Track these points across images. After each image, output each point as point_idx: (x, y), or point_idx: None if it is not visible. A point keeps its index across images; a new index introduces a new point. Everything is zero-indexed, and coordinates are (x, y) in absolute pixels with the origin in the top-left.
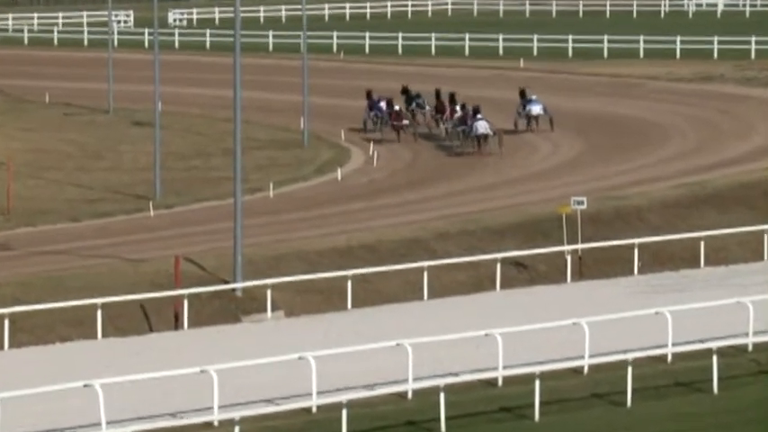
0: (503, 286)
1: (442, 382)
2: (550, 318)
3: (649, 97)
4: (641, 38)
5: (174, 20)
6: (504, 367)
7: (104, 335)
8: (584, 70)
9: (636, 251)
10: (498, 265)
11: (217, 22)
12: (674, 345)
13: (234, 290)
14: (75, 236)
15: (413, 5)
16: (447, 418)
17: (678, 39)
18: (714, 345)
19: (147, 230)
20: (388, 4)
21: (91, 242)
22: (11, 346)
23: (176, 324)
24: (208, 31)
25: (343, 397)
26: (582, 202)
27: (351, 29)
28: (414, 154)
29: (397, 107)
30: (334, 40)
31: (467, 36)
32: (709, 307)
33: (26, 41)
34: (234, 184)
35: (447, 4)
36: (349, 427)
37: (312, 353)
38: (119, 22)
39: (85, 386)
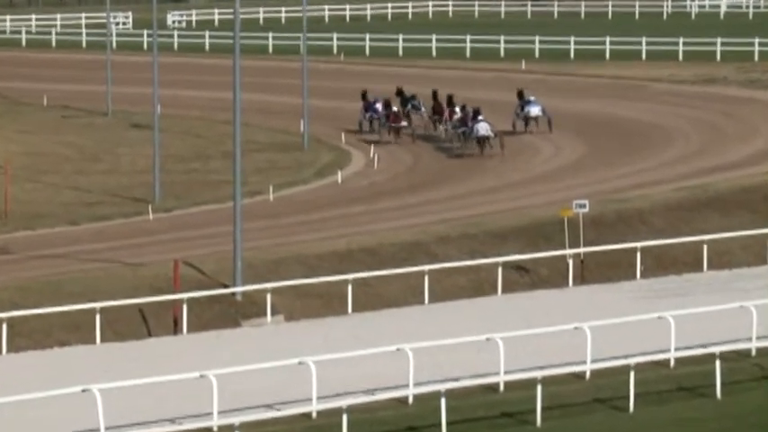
0: (504, 290)
1: (442, 387)
2: (552, 322)
3: (652, 99)
4: (643, 39)
5: (173, 21)
6: (506, 372)
7: (103, 339)
8: (585, 72)
9: (638, 255)
10: (500, 269)
11: (216, 23)
12: (676, 349)
13: (233, 294)
14: (73, 239)
15: (413, 7)
16: (448, 424)
17: (681, 40)
18: (717, 349)
19: (145, 234)
20: (389, 5)
21: (89, 246)
22: (9, 350)
23: (175, 328)
24: (207, 33)
25: (344, 402)
26: (584, 206)
27: (351, 30)
28: (415, 157)
29: (395, 108)
30: (335, 42)
31: (468, 38)
32: (712, 311)
33: (24, 43)
34: (233, 187)
35: (448, 5)
36: None
37: (312, 357)
38: (117, 23)
39: (84, 391)
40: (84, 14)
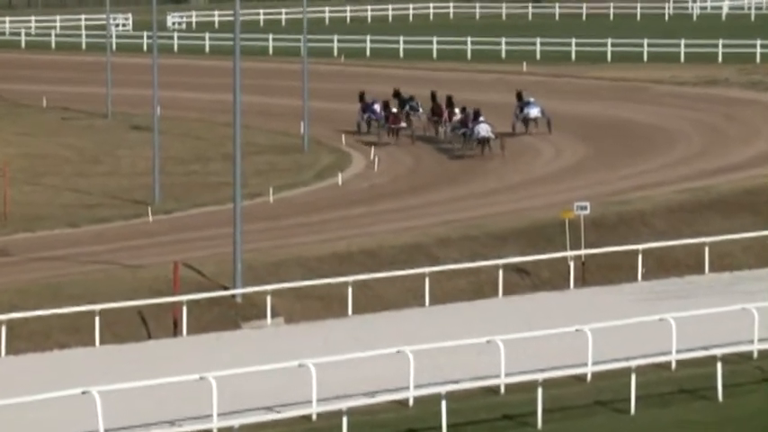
0: (505, 293)
1: (443, 389)
2: (553, 324)
3: (653, 101)
4: (645, 41)
5: (173, 23)
6: (507, 374)
7: (102, 342)
8: (587, 74)
9: (640, 257)
10: (500, 272)
11: (216, 25)
12: (678, 352)
13: (233, 296)
14: (73, 241)
15: (414, 8)
16: (448, 426)
17: (682, 42)
18: (718, 352)
19: (145, 236)
20: (390, 7)
21: (89, 248)
22: (8, 353)
23: (175, 331)
24: (207, 35)
25: (344, 404)
26: (585, 208)
27: (351, 32)
28: (415, 159)
29: (394, 110)
30: (335, 44)
31: (469, 40)
32: (713, 314)
33: (23, 45)
34: (233, 189)
35: (449, 7)
36: None
37: (312, 360)
38: (117, 25)
39: (83, 393)
40: (83, 16)
